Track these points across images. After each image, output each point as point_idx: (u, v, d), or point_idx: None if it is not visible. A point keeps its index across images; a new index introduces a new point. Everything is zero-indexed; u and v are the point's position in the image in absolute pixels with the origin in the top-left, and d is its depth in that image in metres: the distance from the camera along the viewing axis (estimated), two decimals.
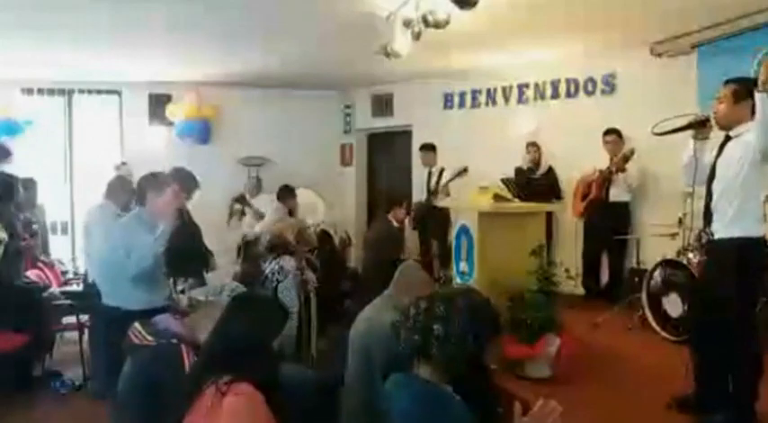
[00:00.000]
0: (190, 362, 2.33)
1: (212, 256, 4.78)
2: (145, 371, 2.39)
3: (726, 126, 3.43)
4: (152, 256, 3.31)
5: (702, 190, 3.56)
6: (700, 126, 3.57)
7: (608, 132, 6.54)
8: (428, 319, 1.94)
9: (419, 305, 2.00)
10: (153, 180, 3.54)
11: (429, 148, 7.83)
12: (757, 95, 3.04)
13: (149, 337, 2.46)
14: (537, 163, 7.26)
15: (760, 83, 3.00)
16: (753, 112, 3.23)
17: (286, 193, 7.25)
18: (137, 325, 2.52)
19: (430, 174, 7.76)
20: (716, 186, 3.42)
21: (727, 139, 3.43)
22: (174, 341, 2.43)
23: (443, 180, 7.46)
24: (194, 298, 2.65)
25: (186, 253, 4.10)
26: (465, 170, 7.11)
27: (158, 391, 2.26)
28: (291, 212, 7.13)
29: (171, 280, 3.91)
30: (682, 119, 3.66)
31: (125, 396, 2.43)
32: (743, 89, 3.29)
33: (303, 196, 7.53)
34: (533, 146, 7.26)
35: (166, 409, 2.08)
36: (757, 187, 3.39)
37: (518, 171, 7.18)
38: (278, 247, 4.68)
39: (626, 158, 6.24)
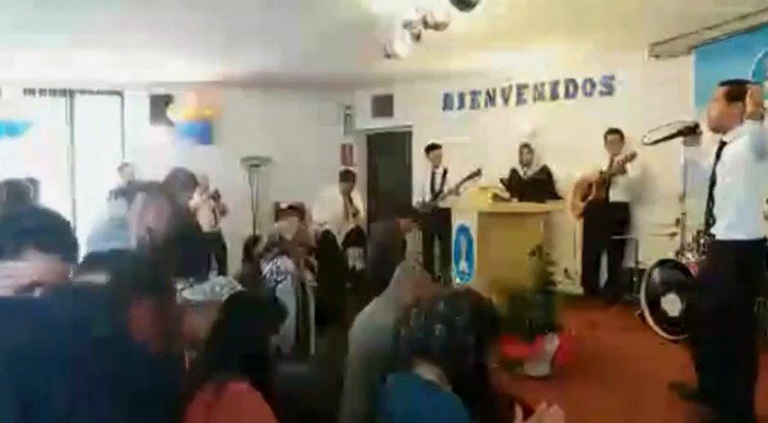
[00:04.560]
0: (187, 361, 2.33)
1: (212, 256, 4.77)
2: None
3: (718, 128, 3.46)
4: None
5: (697, 190, 3.59)
6: (689, 133, 3.60)
7: (610, 132, 6.57)
8: (430, 319, 1.96)
9: (421, 305, 2.02)
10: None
11: (437, 147, 7.83)
12: (749, 123, 3.14)
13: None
14: (528, 164, 7.29)
15: (748, 112, 3.12)
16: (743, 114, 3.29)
17: (349, 177, 7.50)
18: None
19: (434, 174, 7.77)
20: (717, 192, 3.45)
21: (722, 144, 3.46)
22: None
23: (451, 182, 7.46)
24: (189, 297, 2.64)
25: (187, 252, 4.11)
26: (478, 172, 7.06)
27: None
28: (350, 197, 7.45)
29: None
30: (672, 126, 3.70)
31: None
32: (735, 90, 3.33)
33: (328, 193, 7.58)
34: (525, 147, 7.30)
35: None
36: (757, 190, 3.42)
37: (512, 172, 7.24)
38: (276, 247, 4.69)
39: (626, 160, 6.26)
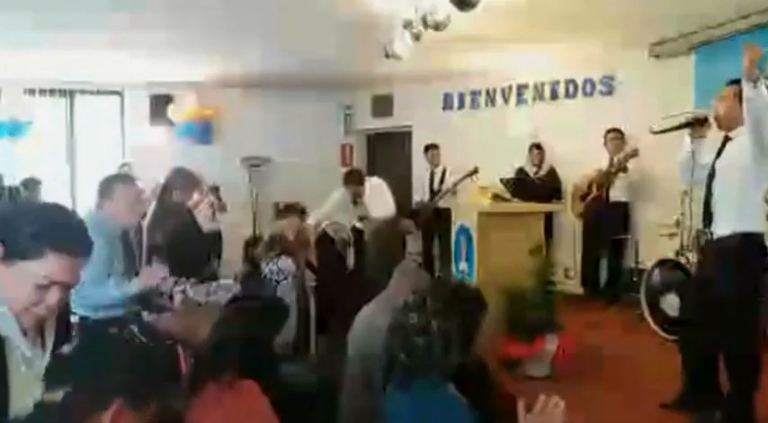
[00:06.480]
0: (186, 363, 2.33)
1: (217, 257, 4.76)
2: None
3: (726, 126, 3.45)
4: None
5: (699, 190, 3.58)
6: (698, 124, 3.59)
7: (610, 131, 6.56)
8: (414, 325, 1.96)
9: (404, 309, 2.03)
10: (104, 182, 3.32)
11: (435, 147, 7.85)
12: (745, 85, 3.04)
13: (143, 339, 2.43)
14: (539, 165, 7.29)
15: (744, 71, 3.01)
16: None
17: (353, 179, 6.49)
18: (132, 327, 2.49)
19: (433, 174, 7.78)
20: (716, 186, 3.44)
21: (726, 140, 3.45)
22: (170, 342, 2.42)
23: (449, 180, 7.47)
24: (191, 298, 2.65)
25: (187, 252, 4.12)
26: (475, 171, 7.09)
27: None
28: (356, 199, 6.41)
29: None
30: (681, 117, 3.69)
31: None
32: None
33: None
34: (537, 148, 7.29)
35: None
36: (757, 186, 3.41)
37: (519, 171, 7.23)
38: (276, 247, 4.70)
39: (629, 157, 6.25)
